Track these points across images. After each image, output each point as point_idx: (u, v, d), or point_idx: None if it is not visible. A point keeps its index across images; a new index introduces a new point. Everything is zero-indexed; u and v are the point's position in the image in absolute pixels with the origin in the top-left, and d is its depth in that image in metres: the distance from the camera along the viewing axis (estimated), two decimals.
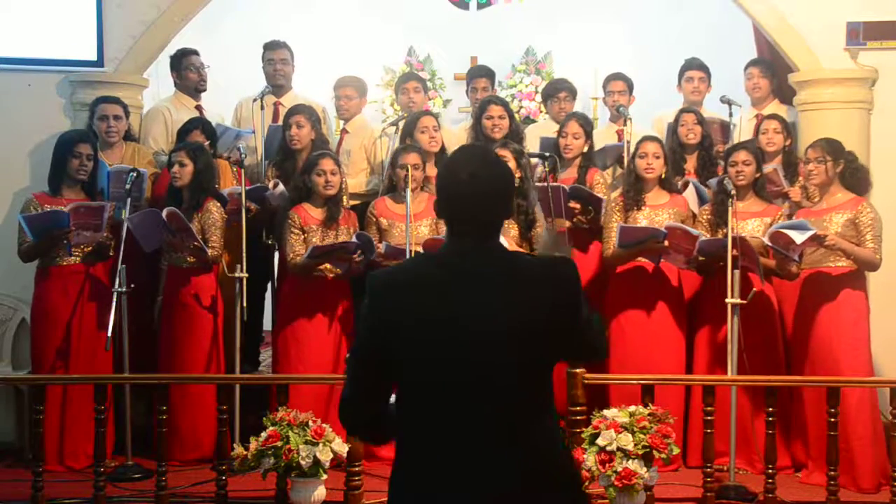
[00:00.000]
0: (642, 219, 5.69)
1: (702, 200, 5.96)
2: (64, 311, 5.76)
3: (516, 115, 7.18)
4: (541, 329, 2.45)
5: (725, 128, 6.50)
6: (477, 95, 7.09)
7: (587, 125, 6.30)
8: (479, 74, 7.29)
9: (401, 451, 2.52)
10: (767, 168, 5.88)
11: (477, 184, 2.48)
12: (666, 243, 5.49)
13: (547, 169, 5.70)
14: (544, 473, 2.45)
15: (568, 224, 6.00)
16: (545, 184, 5.66)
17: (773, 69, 6.71)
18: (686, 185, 6.02)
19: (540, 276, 2.50)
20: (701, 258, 5.50)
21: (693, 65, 6.81)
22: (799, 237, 5.18)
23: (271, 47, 6.85)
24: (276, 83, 6.78)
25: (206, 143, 6.05)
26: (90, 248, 5.81)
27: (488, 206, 2.51)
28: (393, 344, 2.45)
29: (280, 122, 6.40)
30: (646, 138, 5.84)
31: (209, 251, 5.69)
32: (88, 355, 5.74)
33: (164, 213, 5.62)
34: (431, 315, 2.44)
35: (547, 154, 5.79)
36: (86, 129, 6.14)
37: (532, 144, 6.39)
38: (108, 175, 5.96)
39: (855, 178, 5.50)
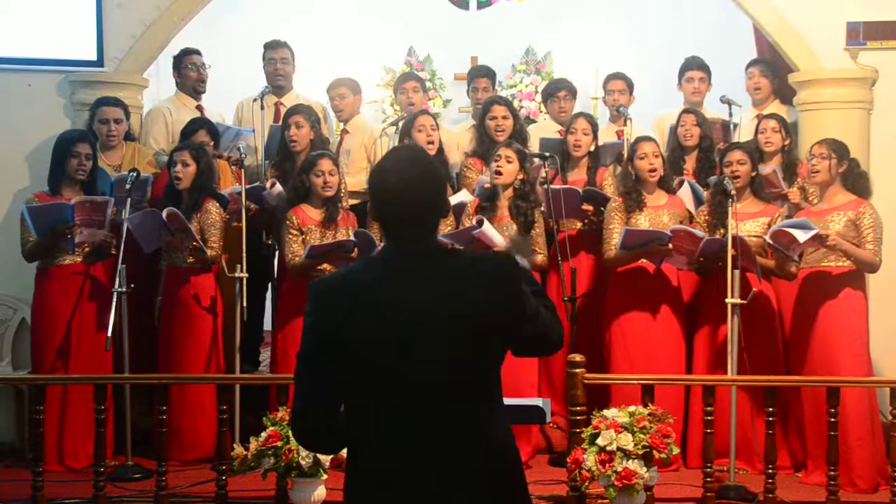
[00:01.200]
0: (643, 220, 5.69)
1: (697, 199, 5.95)
2: (64, 311, 5.76)
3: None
4: (482, 325, 2.46)
5: (726, 128, 6.48)
6: (478, 95, 7.09)
7: (594, 123, 6.29)
8: (480, 74, 7.28)
9: (353, 456, 2.51)
10: (766, 169, 5.86)
11: (407, 186, 2.49)
12: (670, 245, 5.49)
13: (548, 168, 5.70)
14: (492, 471, 2.46)
15: (579, 225, 6.00)
16: (555, 186, 5.65)
17: (774, 69, 6.70)
18: (681, 183, 6.00)
19: (479, 272, 2.51)
20: (701, 259, 5.50)
21: (693, 64, 6.79)
22: (802, 235, 5.18)
23: (272, 46, 6.86)
24: (276, 83, 6.79)
25: (210, 143, 6.05)
26: (91, 247, 5.80)
27: (421, 207, 2.51)
28: (336, 348, 2.46)
29: (281, 123, 6.40)
30: (641, 139, 5.82)
31: (208, 251, 5.69)
32: (88, 355, 5.73)
33: (164, 214, 5.62)
34: (372, 317, 2.44)
35: (548, 154, 5.79)
36: (85, 129, 6.14)
37: (533, 145, 6.39)
38: (111, 184, 5.95)
39: (857, 182, 5.50)
